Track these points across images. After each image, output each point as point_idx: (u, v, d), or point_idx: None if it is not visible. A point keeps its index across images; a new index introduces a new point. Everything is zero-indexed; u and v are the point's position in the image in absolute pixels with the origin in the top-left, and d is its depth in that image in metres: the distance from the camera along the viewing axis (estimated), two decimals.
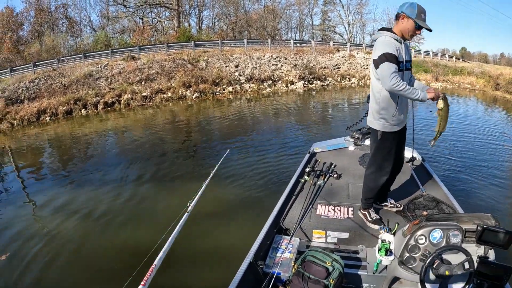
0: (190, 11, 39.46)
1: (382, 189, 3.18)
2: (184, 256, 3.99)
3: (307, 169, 4.03)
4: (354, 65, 25.21)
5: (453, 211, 3.16)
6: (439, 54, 32.82)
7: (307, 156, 4.67)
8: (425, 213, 3.14)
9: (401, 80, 2.51)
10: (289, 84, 21.33)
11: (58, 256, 4.38)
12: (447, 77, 24.92)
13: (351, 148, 4.95)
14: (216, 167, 2.47)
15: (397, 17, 2.69)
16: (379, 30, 2.82)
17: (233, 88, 19.76)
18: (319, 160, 4.38)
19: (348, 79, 23.70)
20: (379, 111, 2.83)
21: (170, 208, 5.25)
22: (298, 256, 2.60)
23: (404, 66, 2.70)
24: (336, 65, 24.86)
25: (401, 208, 3.27)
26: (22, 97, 16.55)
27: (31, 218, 5.61)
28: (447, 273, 1.95)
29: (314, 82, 22.24)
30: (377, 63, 2.62)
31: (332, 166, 4.17)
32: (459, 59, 34.67)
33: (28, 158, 9.67)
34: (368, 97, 4.59)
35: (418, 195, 3.52)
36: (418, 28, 2.63)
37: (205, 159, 8.04)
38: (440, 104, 2.65)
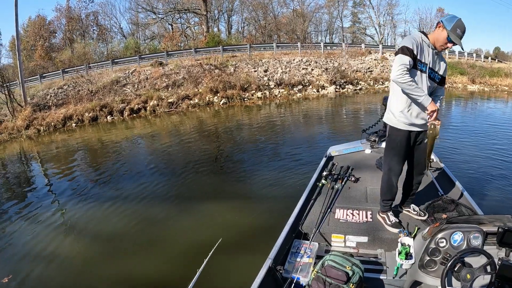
0: (219, 16, 39.46)
1: (404, 193, 3.23)
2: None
3: (324, 173, 3.97)
4: (387, 68, 23.82)
5: (473, 213, 3.11)
6: (474, 55, 31.28)
7: (324, 159, 4.68)
8: (444, 215, 3.10)
9: (407, 74, 2.49)
10: (320, 89, 20.30)
11: (62, 281, 3.97)
12: (483, 79, 23.48)
13: (368, 151, 4.95)
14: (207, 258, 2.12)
15: (436, 25, 2.64)
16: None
17: (262, 94, 18.95)
18: (336, 164, 4.29)
19: (381, 83, 22.34)
20: (390, 102, 2.86)
21: (188, 237, 4.63)
22: (317, 261, 2.59)
23: (423, 68, 2.64)
24: (369, 68, 23.61)
25: (424, 218, 3.15)
26: (50, 104, 16.56)
27: (41, 235, 5.08)
28: (468, 276, 1.90)
29: (346, 86, 21.12)
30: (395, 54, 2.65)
31: (349, 170, 4.16)
32: (494, 59, 33.23)
33: (50, 166, 9.35)
34: (384, 99, 4.55)
35: (436, 197, 3.47)
36: (449, 40, 2.54)
37: (231, 173, 7.34)
38: (430, 129, 2.63)
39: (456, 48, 32.32)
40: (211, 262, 1.95)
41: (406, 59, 2.52)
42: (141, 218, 5.36)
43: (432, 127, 2.61)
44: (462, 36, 2.52)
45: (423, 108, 2.68)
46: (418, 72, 2.63)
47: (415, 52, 2.56)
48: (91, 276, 4.02)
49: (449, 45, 2.59)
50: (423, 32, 2.70)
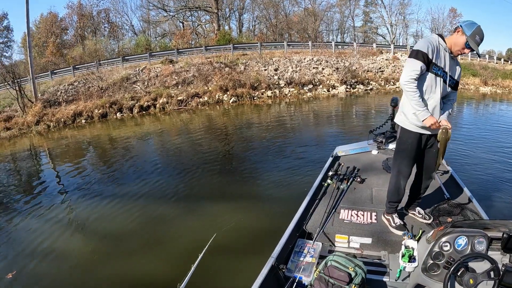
0: (230, 14, 39.42)
1: (410, 195, 3.19)
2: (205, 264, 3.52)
3: (330, 173, 3.97)
4: (399, 68, 23.43)
5: (478, 217, 3.08)
6: (487, 56, 30.70)
7: (330, 159, 4.67)
8: (449, 219, 3.08)
9: (414, 83, 2.52)
10: (330, 89, 20.06)
11: (63, 278, 3.96)
12: (496, 81, 23.04)
13: (374, 152, 4.91)
14: (209, 243, 2.20)
15: (455, 29, 2.62)
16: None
17: (272, 93, 18.79)
18: (342, 164, 4.29)
19: (392, 83, 21.98)
20: (403, 103, 2.79)
21: (191, 236, 4.54)
22: (320, 261, 2.59)
23: (438, 72, 2.60)
24: (380, 68, 23.30)
25: (429, 221, 3.10)
26: (60, 100, 16.66)
27: (45, 232, 5.06)
28: (471, 281, 1.89)
29: (357, 86, 20.87)
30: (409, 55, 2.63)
31: (355, 170, 4.14)
32: (507, 61, 32.59)
33: (59, 162, 9.35)
34: (391, 100, 4.83)
35: (442, 201, 3.42)
36: (467, 46, 2.52)
37: (237, 172, 7.25)
38: (439, 135, 2.61)
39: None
40: (214, 261, 1.87)
41: (418, 65, 2.49)
42: (145, 216, 5.30)
43: (444, 131, 2.57)
44: (480, 43, 2.51)
45: (437, 112, 2.67)
46: (433, 76, 2.58)
47: (430, 56, 2.51)
48: (93, 272, 4.01)
49: (466, 50, 2.57)
50: (440, 35, 2.66)
